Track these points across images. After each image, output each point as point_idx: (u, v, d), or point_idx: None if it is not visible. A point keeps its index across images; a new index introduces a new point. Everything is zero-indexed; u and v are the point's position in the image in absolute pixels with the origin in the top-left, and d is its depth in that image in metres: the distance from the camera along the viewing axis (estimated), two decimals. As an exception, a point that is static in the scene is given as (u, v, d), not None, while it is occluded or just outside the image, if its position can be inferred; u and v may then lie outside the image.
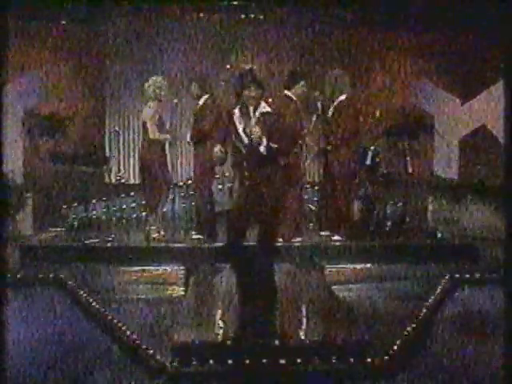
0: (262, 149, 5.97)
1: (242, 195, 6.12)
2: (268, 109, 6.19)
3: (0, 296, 3.90)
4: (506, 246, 4.10)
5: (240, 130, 6.05)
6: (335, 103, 8.52)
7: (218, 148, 6.39)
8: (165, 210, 8.90)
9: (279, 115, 6.64)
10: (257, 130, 5.92)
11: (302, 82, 8.34)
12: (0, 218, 4.11)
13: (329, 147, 8.48)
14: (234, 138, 6.10)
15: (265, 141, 5.94)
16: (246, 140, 6.03)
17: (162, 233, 8.67)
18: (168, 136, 8.64)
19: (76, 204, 10.15)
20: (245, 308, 6.03)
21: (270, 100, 6.66)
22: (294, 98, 8.27)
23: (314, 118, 8.68)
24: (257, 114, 6.05)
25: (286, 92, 8.31)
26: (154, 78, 8.60)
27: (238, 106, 6.15)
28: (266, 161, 6.04)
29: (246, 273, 6.33)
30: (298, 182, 8.33)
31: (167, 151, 8.72)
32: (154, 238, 8.52)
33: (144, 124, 8.54)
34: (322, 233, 8.81)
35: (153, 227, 8.61)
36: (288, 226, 8.22)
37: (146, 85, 8.55)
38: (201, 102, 8.52)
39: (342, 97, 8.51)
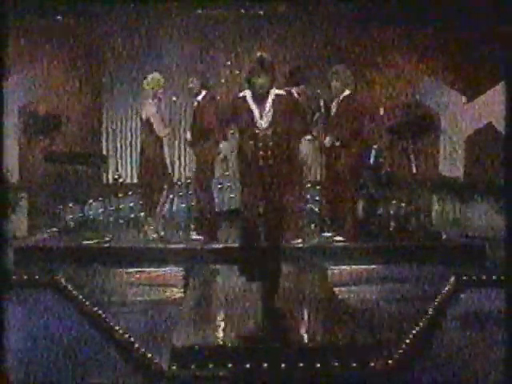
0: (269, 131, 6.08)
1: (252, 190, 6.11)
2: (280, 92, 6.27)
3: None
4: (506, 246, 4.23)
5: (253, 113, 6.09)
6: (338, 99, 8.43)
7: (224, 144, 6.36)
8: (164, 210, 8.79)
9: (292, 96, 6.56)
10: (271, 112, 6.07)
11: (302, 86, 8.38)
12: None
13: (335, 142, 8.34)
14: (246, 123, 6.11)
15: (277, 121, 6.07)
16: (263, 124, 6.08)
17: (162, 233, 8.60)
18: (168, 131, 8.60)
19: (72, 204, 10.06)
20: (247, 310, 5.95)
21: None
22: (295, 94, 8.16)
23: (316, 117, 8.57)
24: (270, 98, 6.10)
25: (286, 88, 8.15)
26: (152, 75, 8.55)
27: (250, 90, 6.18)
28: (279, 143, 6.13)
29: (254, 274, 6.23)
30: (300, 180, 8.29)
31: (166, 150, 8.60)
32: (152, 239, 8.45)
33: (146, 122, 8.45)
34: (325, 233, 8.73)
35: (151, 227, 8.53)
36: (290, 226, 8.11)
37: (145, 82, 8.49)
38: (199, 98, 8.45)
39: (345, 93, 8.44)
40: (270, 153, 6.05)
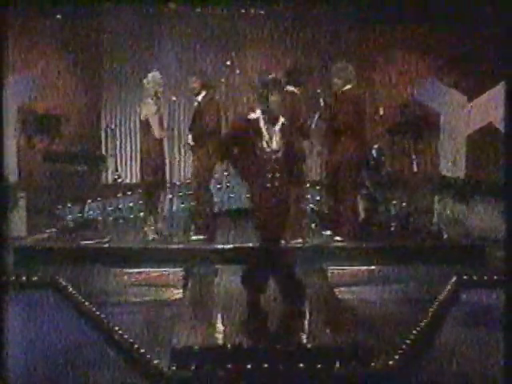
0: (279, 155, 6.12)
1: (263, 197, 6.08)
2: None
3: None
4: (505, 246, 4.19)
5: (263, 138, 6.08)
6: (337, 95, 8.40)
7: None
8: (164, 210, 8.77)
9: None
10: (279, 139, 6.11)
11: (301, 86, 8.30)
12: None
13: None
14: (257, 145, 6.09)
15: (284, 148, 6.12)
16: (274, 146, 6.08)
17: (162, 234, 8.58)
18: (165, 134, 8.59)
19: (71, 204, 10.02)
20: (246, 311, 5.95)
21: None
22: (297, 93, 8.12)
23: (316, 116, 8.53)
24: (279, 123, 6.14)
25: (288, 87, 8.10)
26: (152, 74, 8.50)
27: (261, 113, 6.16)
28: (288, 166, 6.18)
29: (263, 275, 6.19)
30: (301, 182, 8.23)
31: (166, 150, 8.61)
32: (152, 239, 8.42)
33: (145, 122, 8.41)
34: (325, 233, 8.69)
35: (152, 228, 8.51)
36: (291, 227, 8.06)
37: (145, 81, 8.44)
38: (199, 98, 8.42)
39: (345, 88, 8.38)
40: (278, 174, 6.04)
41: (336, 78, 8.38)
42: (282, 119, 6.15)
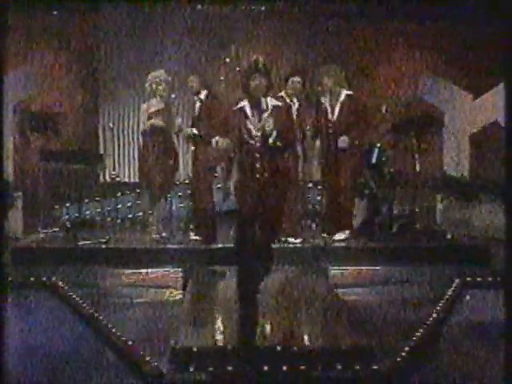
0: (270, 140, 6.04)
1: (249, 193, 6.09)
2: (277, 102, 6.24)
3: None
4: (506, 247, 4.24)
5: (251, 123, 6.06)
6: (341, 99, 8.37)
7: (221, 140, 6.41)
8: (165, 209, 8.73)
9: (288, 109, 6.57)
10: (270, 123, 6.00)
11: (294, 78, 8.26)
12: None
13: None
14: (243, 132, 6.08)
15: (275, 133, 6.02)
16: (258, 133, 6.05)
17: (164, 234, 8.57)
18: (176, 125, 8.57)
19: (69, 204, 10.02)
20: (246, 312, 5.92)
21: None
22: (287, 100, 8.15)
23: (317, 115, 8.46)
24: (269, 106, 6.09)
25: (280, 94, 8.16)
26: (154, 73, 8.51)
27: (247, 99, 6.16)
28: (275, 156, 6.11)
29: (250, 275, 6.18)
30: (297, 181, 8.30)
31: (166, 149, 8.53)
32: (151, 239, 8.44)
33: (147, 119, 8.41)
34: (326, 234, 8.61)
35: (153, 227, 8.54)
36: (288, 225, 8.07)
37: (147, 80, 8.45)
38: (202, 96, 8.38)
39: (345, 93, 8.37)
40: (266, 165, 6.02)
41: (326, 77, 8.37)
42: (269, 105, 6.06)
